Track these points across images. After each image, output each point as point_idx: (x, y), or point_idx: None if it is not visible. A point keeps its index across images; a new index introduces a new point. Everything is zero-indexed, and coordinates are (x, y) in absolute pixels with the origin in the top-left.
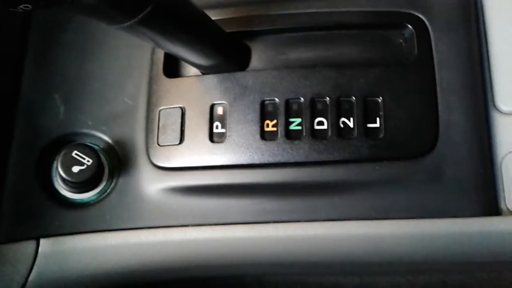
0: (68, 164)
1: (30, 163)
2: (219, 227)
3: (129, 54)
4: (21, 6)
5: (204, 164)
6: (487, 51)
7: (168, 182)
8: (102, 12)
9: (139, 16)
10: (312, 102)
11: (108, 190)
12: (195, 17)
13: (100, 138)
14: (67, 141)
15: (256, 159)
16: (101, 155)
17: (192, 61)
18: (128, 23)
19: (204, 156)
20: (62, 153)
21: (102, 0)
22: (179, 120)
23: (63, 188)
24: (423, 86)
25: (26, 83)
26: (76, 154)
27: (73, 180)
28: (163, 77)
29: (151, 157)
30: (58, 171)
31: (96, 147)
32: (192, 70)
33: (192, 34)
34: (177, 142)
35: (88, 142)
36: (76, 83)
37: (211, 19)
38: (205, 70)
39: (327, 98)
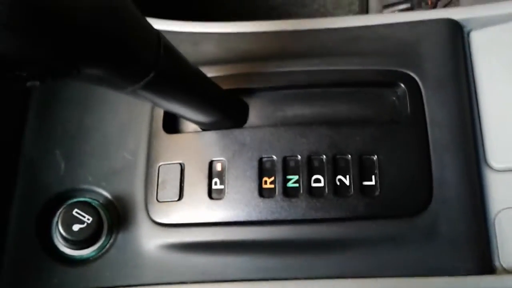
0: (68, 222)
1: (31, 219)
2: (218, 284)
3: (129, 109)
4: (28, 83)
5: (202, 220)
6: (478, 108)
7: (167, 239)
8: (107, 81)
9: (141, 83)
10: (309, 160)
11: (107, 246)
12: (194, 79)
13: (100, 194)
14: (68, 196)
15: (254, 216)
16: (100, 211)
17: (190, 118)
18: (131, 89)
19: (202, 212)
20: (63, 211)
21: (107, 71)
22: (178, 176)
23: (63, 245)
24: (416, 144)
25: (28, 138)
26: (77, 212)
27: (73, 239)
28: (163, 132)
29: (150, 213)
30: (59, 229)
31: (96, 202)
32: (191, 126)
33: (192, 95)
34: (176, 198)
35: (88, 198)
36: (76, 139)
37: (209, 78)
38: (204, 126)
39: (324, 155)
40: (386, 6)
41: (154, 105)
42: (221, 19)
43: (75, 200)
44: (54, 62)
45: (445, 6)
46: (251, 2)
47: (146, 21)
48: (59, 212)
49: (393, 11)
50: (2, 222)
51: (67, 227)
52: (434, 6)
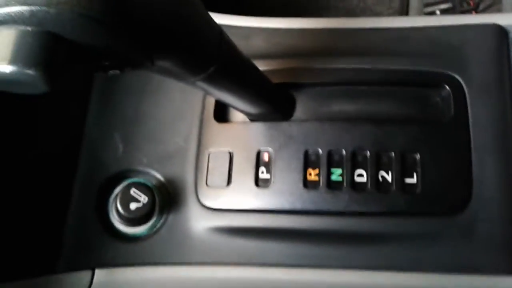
0: (126, 201)
1: (91, 196)
2: (260, 268)
3: (182, 98)
4: (110, 72)
5: (248, 207)
6: None
7: (215, 222)
8: (173, 72)
9: (203, 75)
10: (353, 155)
11: (159, 226)
12: (249, 72)
13: (153, 176)
14: (124, 176)
15: (298, 206)
16: (154, 192)
17: (241, 109)
18: (192, 80)
19: (249, 199)
20: (121, 190)
21: (175, 64)
22: (227, 164)
23: (118, 221)
24: (458, 145)
25: (90, 120)
26: (134, 192)
27: (130, 216)
28: (213, 121)
29: (199, 196)
30: (117, 207)
31: (149, 183)
32: (240, 116)
33: (246, 88)
34: (225, 184)
35: (142, 179)
36: (134, 123)
37: (261, 72)
38: (252, 117)
39: (367, 151)
40: (427, 5)
41: (208, 94)
42: (263, 10)
43: (132, 180)
44: (134, 55)
45: (487, 7)
46: None
47: (210, 16)
48: (118, 191)
49: (434, 10)
50: (65, 197)
51: (125, 205)
52: (476, 6)
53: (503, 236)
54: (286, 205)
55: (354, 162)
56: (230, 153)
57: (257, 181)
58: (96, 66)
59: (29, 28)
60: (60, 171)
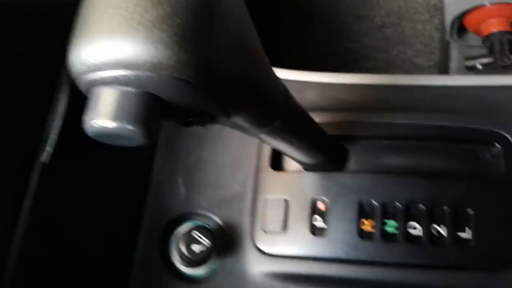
0: (188, 242)
1: (155, 238)
2: None
3: (239, 145)
4: (194, 126)
5: (304, 254)
6: None
7: (270, 267)
8: (243, 127)
9: (268, 128)
10: (407, 207)
11: (216, 268)
12: (309, 125)
13: (213, 219)
14: (185, 218)
15: (353, 256)
16: (214, 235)
17: (297, 159)
18: (257, 132)
19: (304, 247)
20: (184, 232)
21: (247, 119)
22: (282, 211)
23: (179, 262)
24: (510, 202)
25: (157, 165)
26: (196, 234)
27: (191, 257)
28: (269, 169)
29: (256, 241)
30: (179, 248)
31: (209, 227)
32: (295, 165)
33: (304, 139)
34: (280, 231)
35: (203, 222)
36: (195, 168)
37: (318, 125)
38: (307, 167)
39: (421, 204)
40: (468, 58)
41: (267, 144)
42: (303, 59)
43: (194, 222)
44: (217, 113)
45: None
46: (330, 44)
47: (275, 74)
48: (180, 232)
49: (475, 64)
50: (133, 239)
51: (187, 246)
52: None
53: None
54: (341, 254)
55: (408, 214)
56: (285, 200)
57: (313, 229)
58: (183, 121)
59: (131, 89)
60: (129, 213)
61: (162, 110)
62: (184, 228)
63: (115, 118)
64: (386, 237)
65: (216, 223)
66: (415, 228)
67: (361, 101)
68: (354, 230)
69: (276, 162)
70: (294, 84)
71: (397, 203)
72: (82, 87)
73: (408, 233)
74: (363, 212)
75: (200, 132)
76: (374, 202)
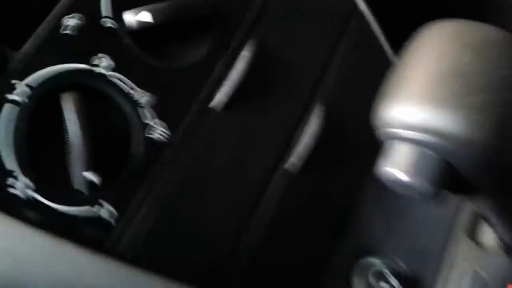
0: (379, 278)
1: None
2: None
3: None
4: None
5: None
6: None
7: None
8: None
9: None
10: None
11: None
12: None
13: (398, 263)
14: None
15: None
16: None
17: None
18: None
19: None
20: (377, 265)
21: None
22: (472, 282)
23: None
24: None
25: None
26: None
27: None
28: (465, 237)
29: None
30: (369, 280)
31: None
32: (492, 239)
33: None
34: None
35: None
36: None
37: None
38: (507, 249)
39: None
40: None
41: (483, 213)
42: None
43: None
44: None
45: None
46: None
47: None
48: (371, 265)
49: None
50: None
51: (377, 281)
52: None
53: None
54: None
55: None
56: (476, 271)
57: None
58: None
59: (431, 152)
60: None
61: (451, 176)
62: (374, 261)
63: (411, 174)
64: None
65: (402, 268)
66: None
67: None
68: None
69: (473, 230)
70: None
71: None
72: (381, 136)
73: None
74: None
75: None
76: None
